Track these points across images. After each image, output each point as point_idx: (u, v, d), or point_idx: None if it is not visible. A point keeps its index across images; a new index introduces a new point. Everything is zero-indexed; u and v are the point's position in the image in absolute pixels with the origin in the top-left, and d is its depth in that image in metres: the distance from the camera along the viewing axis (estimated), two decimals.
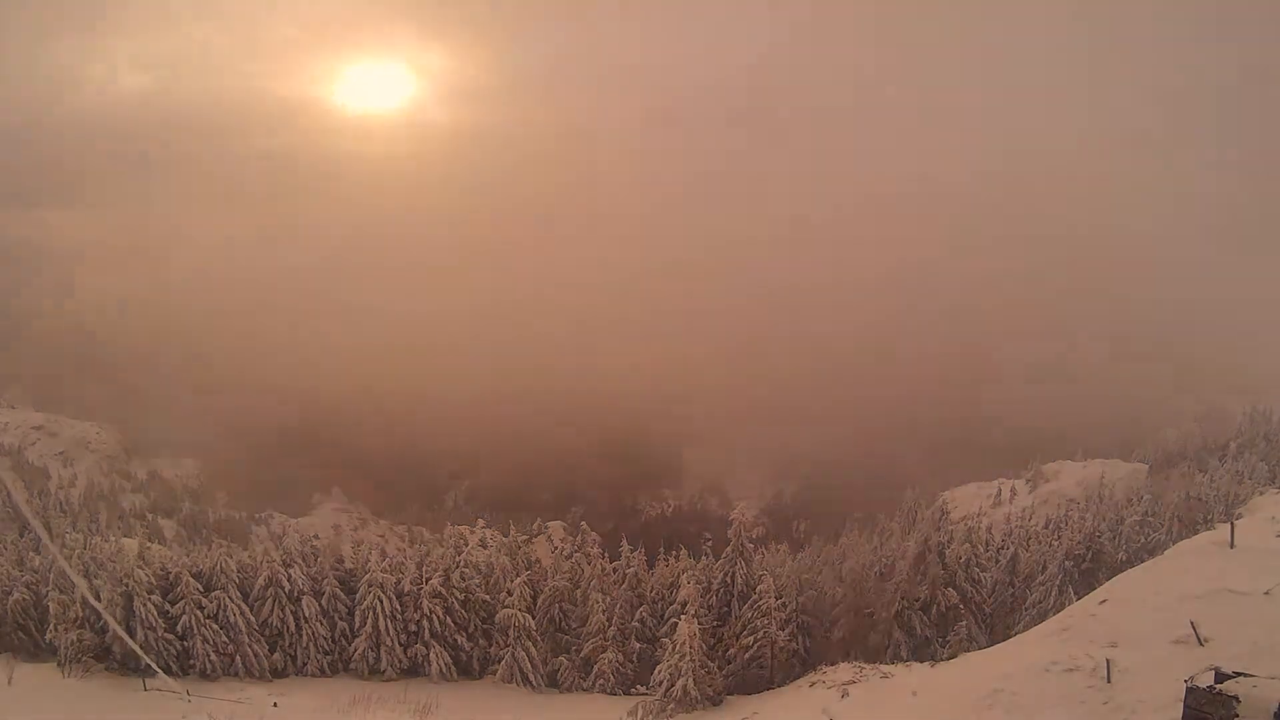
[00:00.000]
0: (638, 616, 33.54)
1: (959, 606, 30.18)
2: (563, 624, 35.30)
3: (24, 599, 35.47)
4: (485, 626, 35.07)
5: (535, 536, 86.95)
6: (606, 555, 41.67)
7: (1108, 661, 16.77)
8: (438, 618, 34.19)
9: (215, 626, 33.20)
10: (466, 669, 34.70)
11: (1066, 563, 29.20)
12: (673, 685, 27.51)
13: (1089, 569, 28.61)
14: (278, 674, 34.11)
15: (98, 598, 31.04)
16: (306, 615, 34.28)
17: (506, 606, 33.84)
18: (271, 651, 34.18)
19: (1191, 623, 17.18)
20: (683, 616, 29.04)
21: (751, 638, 30.26)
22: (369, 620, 34.03)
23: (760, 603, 30.42)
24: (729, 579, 32.37)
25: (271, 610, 34.32)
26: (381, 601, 34.04)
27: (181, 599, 33.07)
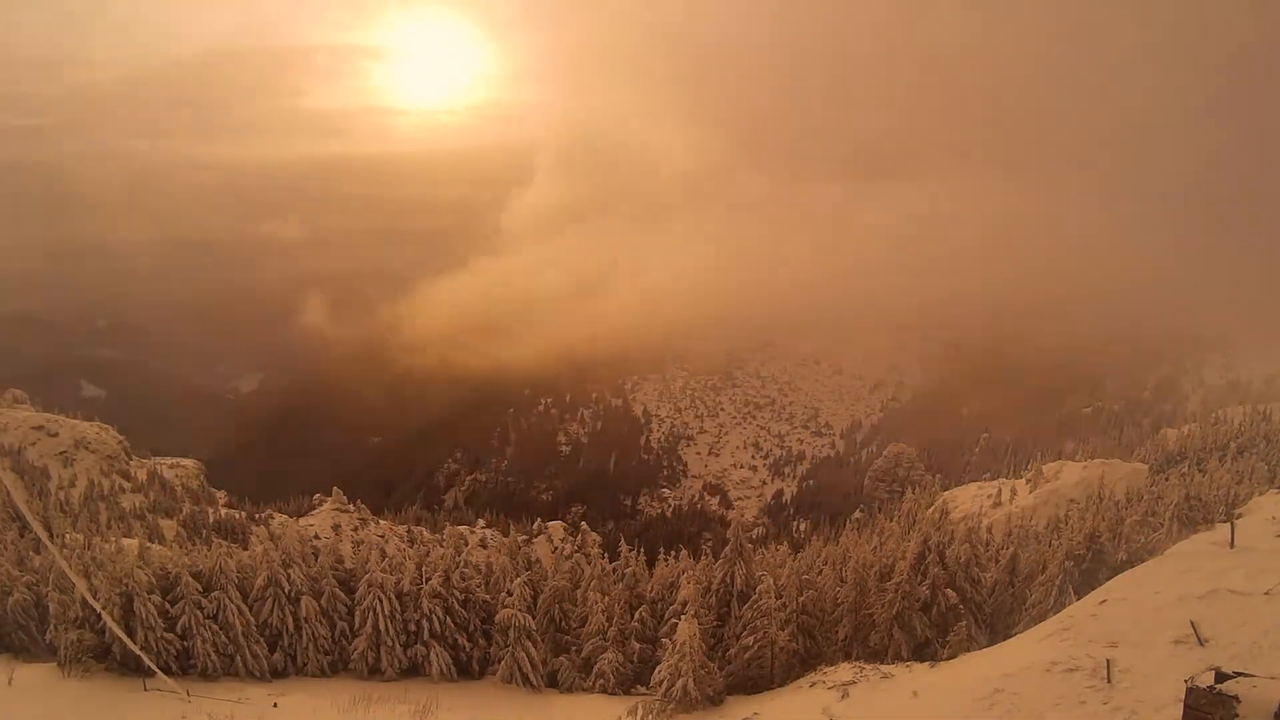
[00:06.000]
0: (638, 616, 33.53)
1: (959, 606, 30.16)
2: (563, 624, 35.30)
3: (24, 599, 35.49)
4: (485, 627, 35.07)
5: (535, 536, 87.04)
6: (606, 555, 41.74)
7: (1108, 661, 16.78)
8: (438, 618, 34.20)
9: (215, 627, 33.20)
10: (466, 669, 34.70)
11: (1066, 563, 29.17)
12: (673, 685, 27.50)
13: (1089, 569, 28.57)
14: (278, 674, 34.12)
15: (97, 598, 31.03)
16: (306, 615, 34.29)
17: (506, 606, 33.84)
18: (271, 651, 34.19)
19: (1191, 623, 17.19)
20: (683, 616, 29.04)
21: (751, 638, 30.25)
22: (369, 620, 34.04)
23: (760, 603, 30.41)
24: (729, 579, 32.37)
25: (271, 610, 34.34)
26: (381, 601, 34.05)
27: (181, 599, 33.08)
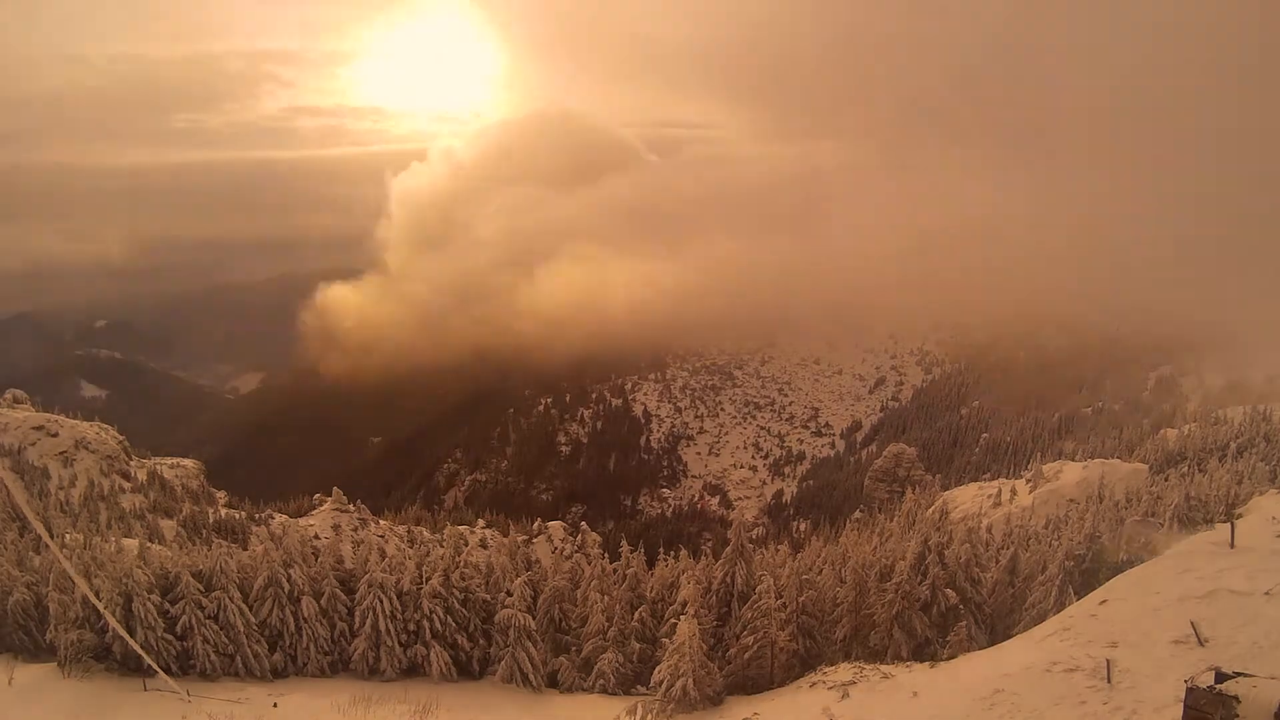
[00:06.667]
0: (638, 616, 33.55)
1: (959, 606, 30.16)
2: (563, 624, 35.32)
3: (24, 599, 35.49)
4: (485, 627, 35.08)
5: (535, 536, 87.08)
6: (606, 555, 41.78)
7: (1108, 662, 16.79)
8: (438, 618, 34.21)
9: (215, 627, 33.21)
10: (466, 669, 34.71)
11: (1066, 563, 29.19)
12: (673, 685, 27.49)
13: (1089, 569, 28.59)
14: (278, 674, 34.12)
15: (98, 598, 31.02)
16: (306, 615, 34.30)
17: (506, 607, 33.85)
18: (271, 652, 34.20)
19: (1191, 623, 17.20)
20: (683, 616, 29.03)
21: (751, 638, 30.24)
22: (369, 620, 34.04)
23: (760, 603, 30.39)
24: (729, 579, 32.36)
25: (271, 610, 34.34)
26: (381, 602, 34.05)
27: (181, 599, 33.08)
